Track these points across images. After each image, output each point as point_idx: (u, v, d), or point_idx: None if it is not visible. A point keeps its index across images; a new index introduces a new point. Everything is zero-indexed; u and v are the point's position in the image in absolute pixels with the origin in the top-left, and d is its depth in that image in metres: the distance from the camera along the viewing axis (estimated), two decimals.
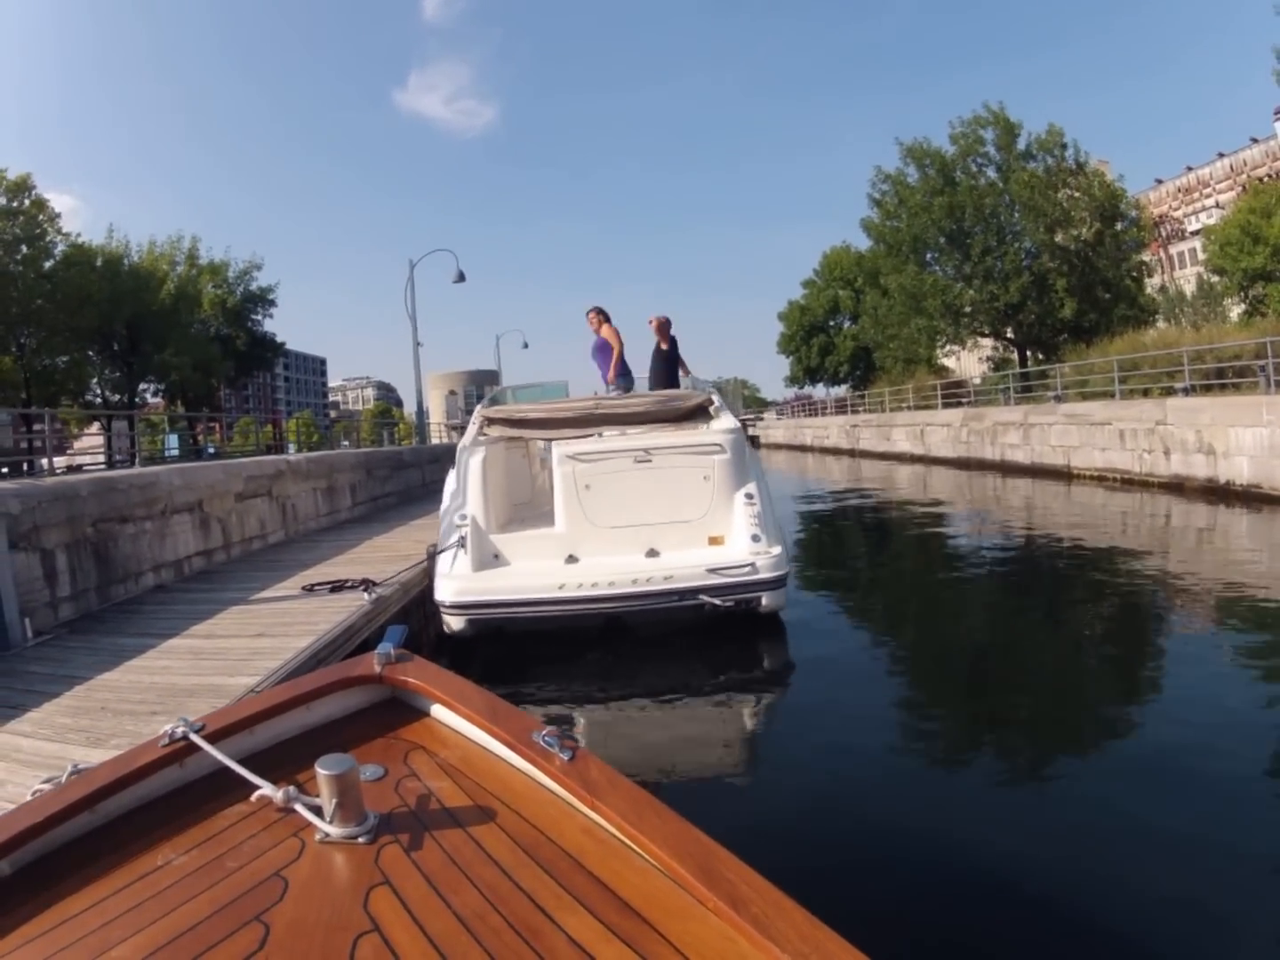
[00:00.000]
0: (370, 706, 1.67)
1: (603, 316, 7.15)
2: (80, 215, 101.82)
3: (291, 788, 1.25)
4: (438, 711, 1.60)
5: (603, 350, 7.08)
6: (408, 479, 13.86)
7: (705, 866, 1.04)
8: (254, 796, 1.27)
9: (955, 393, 23.74)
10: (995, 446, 16.57)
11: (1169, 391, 12.59)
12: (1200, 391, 12.08)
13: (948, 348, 27.66)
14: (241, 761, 1.32)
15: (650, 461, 5.18)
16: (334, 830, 1.18)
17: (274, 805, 1.25)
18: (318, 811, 1.21)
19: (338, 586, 5.33)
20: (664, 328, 6.93)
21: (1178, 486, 10.84)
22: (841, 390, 41.74)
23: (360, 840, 1.18)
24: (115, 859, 1.19)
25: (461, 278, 20.70)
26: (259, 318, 32.89)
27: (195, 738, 1.38)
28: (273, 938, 0.99)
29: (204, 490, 7.01)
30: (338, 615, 4.56)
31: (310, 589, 5.37)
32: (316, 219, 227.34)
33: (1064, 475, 13.78)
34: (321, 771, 1.17)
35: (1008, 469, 15.64)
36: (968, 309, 24.27)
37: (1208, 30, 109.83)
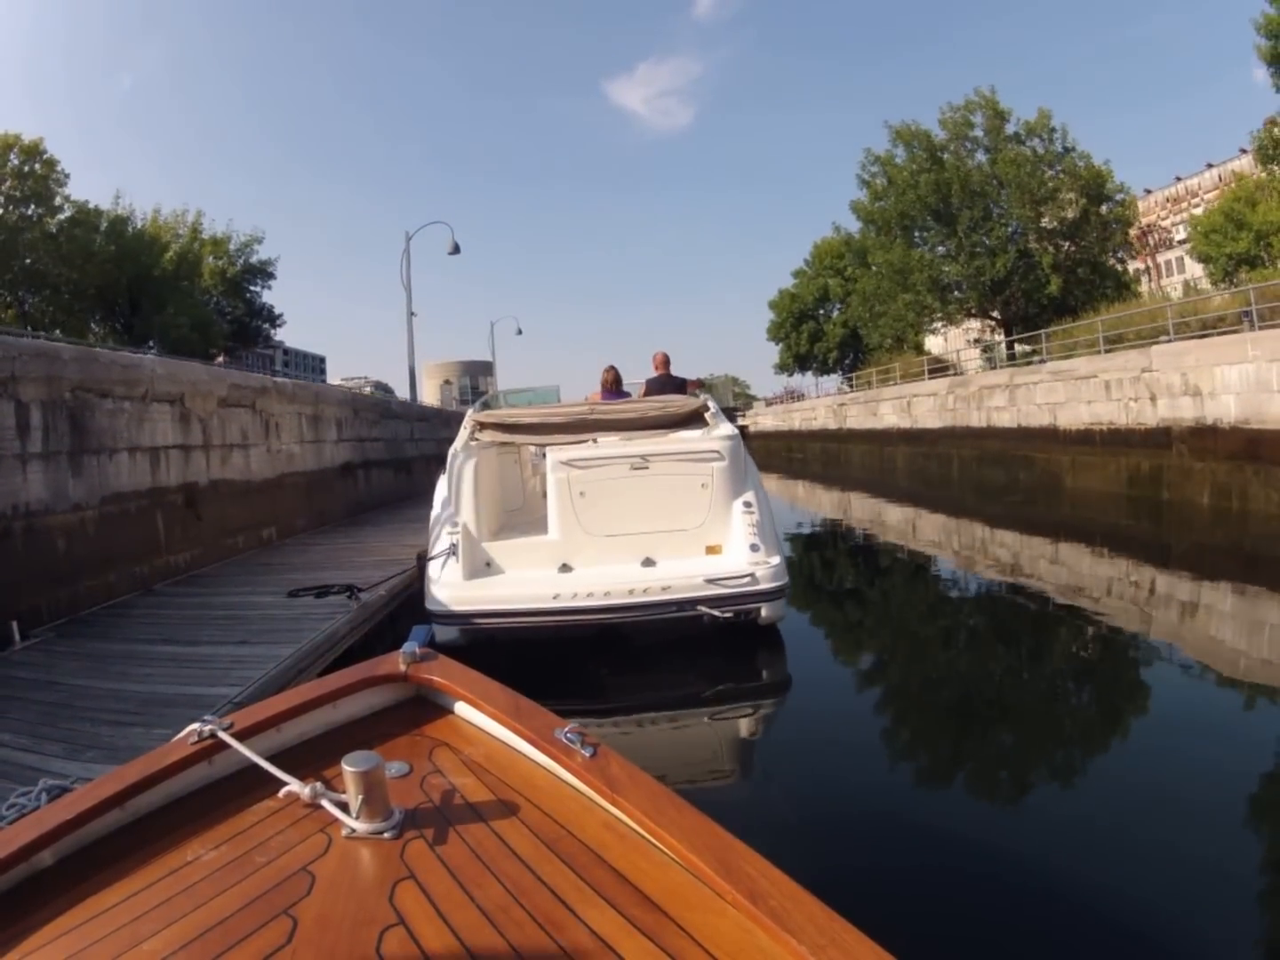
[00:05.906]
0: (395, 704, 1.69)
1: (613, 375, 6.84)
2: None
3: (318, 784, 1.27)
4: (462, 709, 1.62)
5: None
6: (395, 429, 13.81)
7: (724, 860, 1.05)
8: (281, 793, 1.30)
9: (942, 370, 23.88)
10: (981, 411, 16.64)
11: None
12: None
13: (935, 326, 27.79)
14: (269, 759, 1.35)
15: (647, 468, 5.01)
16: (360, 826, 1.20)
17: (301, 801, 1.28)
18: (344, 807, 1.22)
19: (323, 592, 5.22)
20: (665, 362, 6.81)
21: (1164, 432, 10.92)
22: (830, 382, 42.02)
23: (386, 836, 1.20)
24: (145, 855, 1.20)
25: (456, 249, 20.72)
26: (257, 289, 32.61)
27: (223, 735, 1.39)
28: (300, 931, 1.01)
29: (186, 385, 6.91)
30: (322, 623, 4.54)
31: (296, 594, 5.28)
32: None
33: (1051, 436, 13.84)
34: (348, 768, 1.19)
35: (994, 435, 15.73)
36: (954, 283, 24.42)
37: (1204, 38, 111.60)
